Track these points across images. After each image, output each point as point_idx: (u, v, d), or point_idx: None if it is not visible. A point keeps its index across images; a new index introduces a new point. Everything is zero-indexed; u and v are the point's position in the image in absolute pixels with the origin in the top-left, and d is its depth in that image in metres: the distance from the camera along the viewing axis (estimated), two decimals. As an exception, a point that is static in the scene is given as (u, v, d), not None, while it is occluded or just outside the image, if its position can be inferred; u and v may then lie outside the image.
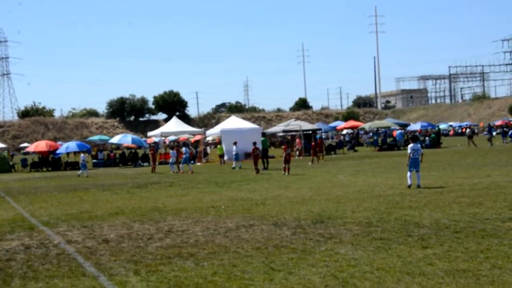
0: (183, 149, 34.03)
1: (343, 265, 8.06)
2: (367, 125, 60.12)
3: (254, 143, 30.57)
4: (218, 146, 43.77)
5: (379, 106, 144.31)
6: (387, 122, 63.81)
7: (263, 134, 33.32)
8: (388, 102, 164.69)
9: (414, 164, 17.60)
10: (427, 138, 50.86)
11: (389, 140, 54.20)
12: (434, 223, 11.05)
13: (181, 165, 33.14)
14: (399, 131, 54.76)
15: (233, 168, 33.13)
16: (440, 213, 12.28)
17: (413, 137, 19.79)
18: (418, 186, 17.31)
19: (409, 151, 18.01)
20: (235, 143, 34.86)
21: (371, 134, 62.12)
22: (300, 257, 8.64)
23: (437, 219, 11.53)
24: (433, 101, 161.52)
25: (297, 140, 42.16)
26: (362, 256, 8.56)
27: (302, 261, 8.40)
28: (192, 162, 41.79)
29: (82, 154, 35.13)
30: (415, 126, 60.51)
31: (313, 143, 36.47)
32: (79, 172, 33.49)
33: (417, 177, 17.55)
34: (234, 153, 34.84)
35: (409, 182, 17.54)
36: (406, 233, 10.15)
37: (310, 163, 33.55)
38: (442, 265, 7.79)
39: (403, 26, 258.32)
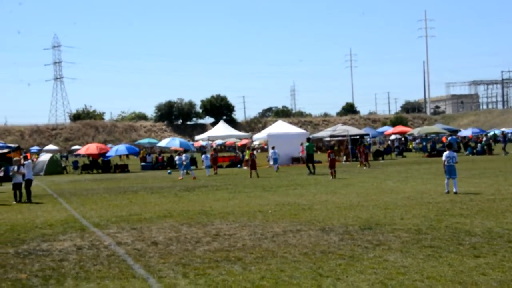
0: (184, 155, 34.12)
1: (392, 272, 7.95)
2: (416, 131, 59.19)
3: (252, 150, 33.78)
4: (247, 151, 43.97)
5: (428, 111, 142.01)
6: (437, 127, 62.70)
7: (308, 139, 33.35)
8: (437, 107, 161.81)
9: (449, 171, 17.72)
10: (478, 144, 49.71)
11: (438, 146, 53.21)
12: (487, 232, 10.80)
13: (182, 171, 33.30)
14: (452, 137, 53.76)
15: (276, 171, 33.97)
16: (493, 221, 12.00)
17: (449, 145, 19.95)
18: (455, 193, 17.29)
19: (444, 158, 18.07)
20: (273, 148, 36.12)
21: (419, 139, 61.12)
22: (348, 264, 8.56)
23: (489, 227, 11.27)
24: (485, 107, 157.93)
25: (301, 148, 41.50)
26: (411, 264, 8.43)
27: (350, 267, 8.33)
28: (238, 166, 42.07)
29: (185, 155, 34.27)
30: (466, 132, 59.37)
31: (358, 148, 36.95)
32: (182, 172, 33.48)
33: (454, 184, 17.64)
34: (272, 157, 35.59)
35: (446, 189, 17.70)
36: (457, 242, 9.95)
37: (359, 167, 33.72)
38: (496, 275, 7.60)
39: (453, 30, 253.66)
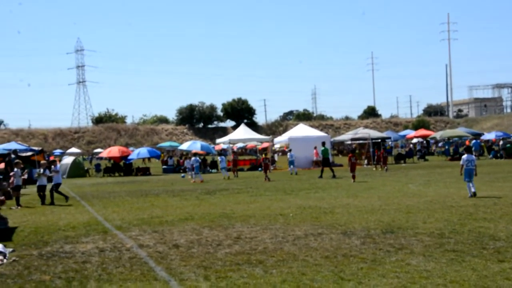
0: (193, 159, 34.37)
1: (415, 276, 7.88)
2: (438, 134, 58.74)
3: (264, 154, 35.65)
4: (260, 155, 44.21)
5: (450, 115, 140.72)
6: (459, 131, 62.12)
7: (323, 143, 33.40)
8: (460, 111, 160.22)
9: (468, 174, 17.70)
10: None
11: (461, 149, 52.66)
12: (511, 236, 10.67)
13: (194, 174, 33.39)
14: (475, 140, 53.16)
15: (291, 174, 35.06)
16: (517, 225, 11.85)
17: (467, 148, 19.89)
18: (474, 194, 17.40)
19: (462, 162, 18.03)
20: (289, 150, 37.11)
21: (442, 143, 60.63)
22: (370, 267, 8.51)
23: (513, 231, 11.13)
24: (509, 110, 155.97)
25: (315, 151, 41.36)
26: (434, 268, 8.35)
27: (372, 271, 8.28)
28: (259, 169, 42.07)
29: (194, 158, 34.47)
30: (489, 136, 58.62)
31: (376, 151, 36.96)
32: (192, 174, 33.70)
33: (471, 186, 17.62)
34: (289, 159, 36.09)
35: (471, 191, 17.54)
36: (481, 246, 9.84)
37: (375, 170, 33.76)
38: (520, 280, 7.50)
39: (477, 32, 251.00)
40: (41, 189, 21.17)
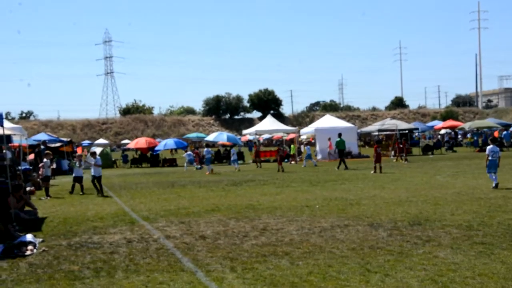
0: (205, 150, 34.87)
1: (443, 269, 7.81)
2: (467, 125, 57.95)
3: (278, 145, 36.48)
4: (292, 145, 43.95)
5: (480, 105, 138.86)
6: (489, 122, 61.22)
7: (339, 135, 33.96)
8: (489, 101, 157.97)
9: (493, 166, 17.79)
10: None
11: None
12: (541, 229, 10.51)
13: (205, 166, 33.99)
14: (506, 131, 52.46)
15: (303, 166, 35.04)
16: (547, 218, 11.66)
17: (493, 139, 19.75)
18: (496, 186, 17.46)
19: (487, 152, 18.05)
20: (307, 144, 37.55)
21: (470, 134, 59.79)
22: (397, 260, 8.46)
23: (544, 224, 10.95)
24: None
25: (329, 143, 41.16)
26: (462, 260, 8.26)
27: (399, 263, 8.23)
28: (286, 160, 42.04)
29: (206, 149, 34.93)
30: (519, 126, 57.71)
31: (397, 143, 37.79)
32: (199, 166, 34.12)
33: (494, 177, 17.73)
34: (307, 152, 36.26)
35: (494, 182, 17.62)
36: (510, 238, 9.71)
37: (395, 161, 34.04)
38: (550, 274, 7.38)
39: (507, 21, 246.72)
40: (77, 180, 21.84)
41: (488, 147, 18.23)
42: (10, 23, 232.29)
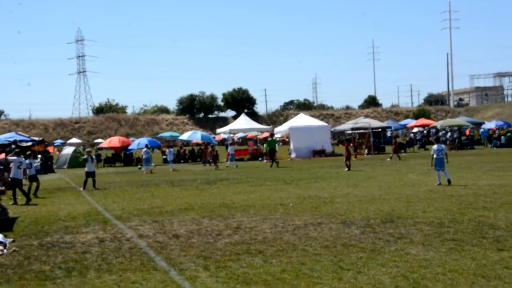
0: (144, 150, 35.41)
1: (414, 265, 7.90)
2: (439, 124, 58.61)
3: (211, 145, 38.49)
4: (265, 144, 44.03)
5: (451, 104, 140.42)
6: (460, 120, 61.98)
7: (271, 135, 36.83)
8: (461, 100, 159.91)
9: (439, 163, 18.52)
10: (502, 137, 49.08)
11: (463, 138, 52.62)
12: (511, 225, 10.68)
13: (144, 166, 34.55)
14: (483, 129, 53.52)
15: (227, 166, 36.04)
16: (517, 214, 11.85)
17: (437, 139, 20.96)
18: (449, 182, 18.13)
19: (432, 152, 18.89)
20: (230, 144, 39.53)
21: (443, 132, 60.51)
22: (369, 257, 8.53)
23: (513, 221, 11.13)
24: (510, 99, 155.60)
25: (249, 143, 42.36)
26: (433, 257, 8.36)
27: (371, 260, 8.30)
28: (260, 159, 42.06)
29: (145, 149, 35.44)
30: (490, 125, 58.49)
31: (394, 142, 37.86)
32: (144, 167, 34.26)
33: (445, 174, 18.42)
34: (231, 152, 37.48)
35: (438, 181, 18.36)
36: (480, 235, 9.85)
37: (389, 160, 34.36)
38: (519, 269, 7.50)
39: (478, 21, 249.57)
40: (89, 174, 22.82)
41: (434, 147, 19.05)
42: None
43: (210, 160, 36.48)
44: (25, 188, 19.20)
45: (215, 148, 36.73)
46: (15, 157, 19.28)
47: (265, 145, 43.45)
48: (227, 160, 37.46)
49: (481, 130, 53.46)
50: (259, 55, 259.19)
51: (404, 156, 40.43)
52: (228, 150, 37.47)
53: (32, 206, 17.22)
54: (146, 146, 36.81)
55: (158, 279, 7.77)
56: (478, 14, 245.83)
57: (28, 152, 22.07)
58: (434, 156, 18.63)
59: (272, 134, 36.08)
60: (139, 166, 39.32)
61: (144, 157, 34.20)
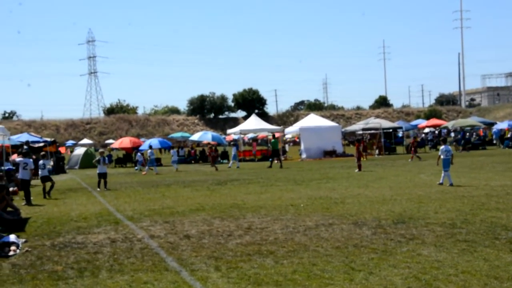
0: (149, 151, 35.82)
1: (426, 267, 7.87)
2: (450, 124, 58.35)
3: (213, 146, 39.16)
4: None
5: (463, 104, 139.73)
6: (472, 120, 61.69)
7: (273, 136, 37.10)
8: (472, 100, 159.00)
9: (446, 164, 18.53)
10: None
11: (473, 139, 52.39)
12: (523, 226, 10.61)
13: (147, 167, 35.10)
14: (496, 129, 53.29)
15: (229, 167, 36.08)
16: (529, 215, 11.77)
17: (444, 140, 21.05)
18: (451, 185, 18.09)
19: (440, 153, 19.00)
20: (233, 145, 40.26)
21: (454, 133, 60.22)
22: (380, 258, 8.50)
23: (526, 222, 11.06)
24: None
25: (253, 144, 42.53)
26: (445, 258, 8.33)
27: (383, 261, 8.27)
28: (270, 159, 41.96)
29: (149, 150, 35.82)
30: (502, 125, 58.11)
31: (412, 142, 37.97)
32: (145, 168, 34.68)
33: (448, 176, 18.48)
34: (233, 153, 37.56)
35: (449, 181, 18.33)
36: (493, 236, 9.80)
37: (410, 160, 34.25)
38: (532, 270, 7.46)
39: (490, 21, 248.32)
40: (101, 176, 23.00)
41: (441, 147, 19.12)
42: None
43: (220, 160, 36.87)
44: (40, 189, 19.33)
45: (213, 148, 37.08)
46: (21, 158, 19.46)
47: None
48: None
49: (494, 130, 53.21)
50: (269, 56, 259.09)
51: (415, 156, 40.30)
52: (232, 150, 37.44)
53: (43, 207, 17.30)
54: (150, 147, 37.04)
55: (169, 280, 7.79)
56: (490, 13, 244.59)
57: (42, 153, 22.24)
58: (442, 157, 18.69)
59: (274, 135, 36.69)
60: (136, 168, 39.63)
61: (150, 158, 34.72)
